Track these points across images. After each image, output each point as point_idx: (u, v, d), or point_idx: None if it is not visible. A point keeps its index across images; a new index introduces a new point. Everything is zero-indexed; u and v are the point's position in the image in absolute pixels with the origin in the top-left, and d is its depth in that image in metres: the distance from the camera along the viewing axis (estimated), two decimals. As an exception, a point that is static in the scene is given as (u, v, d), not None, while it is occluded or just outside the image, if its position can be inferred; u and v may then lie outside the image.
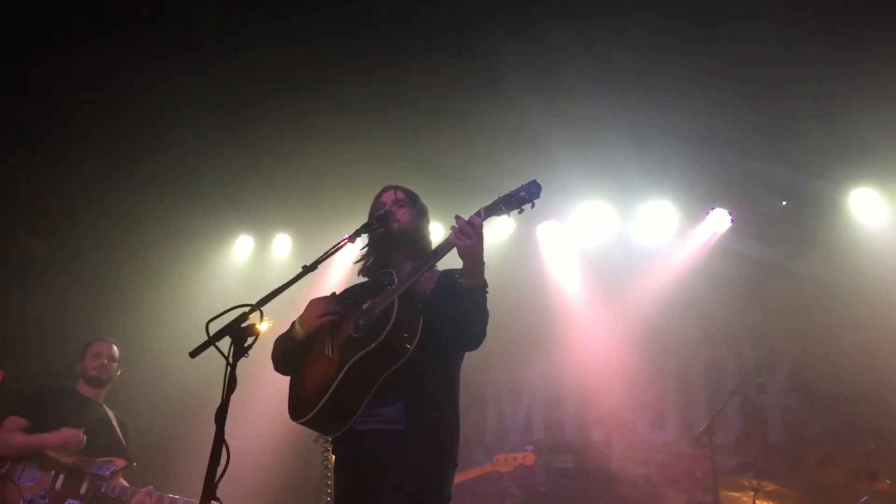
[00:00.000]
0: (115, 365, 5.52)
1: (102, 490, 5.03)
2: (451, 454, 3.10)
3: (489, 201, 3.01)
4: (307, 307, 3.26)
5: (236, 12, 5.65)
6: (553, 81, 5.87)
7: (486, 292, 3.04)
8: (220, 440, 2.40)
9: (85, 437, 5.05)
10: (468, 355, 3.26)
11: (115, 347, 5.57)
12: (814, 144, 6.03)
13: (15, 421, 5.06)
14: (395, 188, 3.47)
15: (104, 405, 5.46)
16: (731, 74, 5.77)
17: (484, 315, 3.03)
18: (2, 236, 7.16)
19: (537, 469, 7.15)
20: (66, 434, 5.01)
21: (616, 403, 6.92)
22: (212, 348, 2.51)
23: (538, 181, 2.94)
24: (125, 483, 5.15)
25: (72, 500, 4.94)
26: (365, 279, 3.45)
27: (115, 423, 5.42)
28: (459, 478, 3.18)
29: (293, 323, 3.29)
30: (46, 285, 7.38)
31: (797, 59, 5.48)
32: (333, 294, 3.34)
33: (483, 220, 2.96)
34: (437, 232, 3.57)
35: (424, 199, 3.53)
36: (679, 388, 6.97)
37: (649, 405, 6.93)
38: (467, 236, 2.90)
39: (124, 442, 5.39)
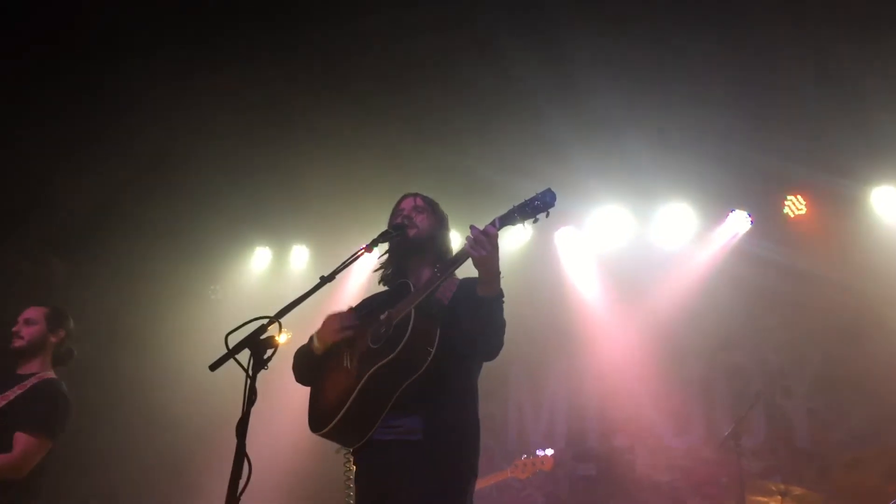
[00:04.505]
0: None
1: None
2: (470, 464, 3.08)
3: (504, 210, 2.97)
4: (324, 322, 3.24)
5: (256, 25, 5.67)
6: (570, 85, 5.85)
7: (503, 302, 3.01)
8: (241, 453, 2.38)
9: None
10: (488, 363, 3.23)
11: None
12: (833, 142, 5.96)
13: None
14: (415, 195, 3.45)
15: None
16: (749, 73, 5.74)
17: (501, 325, 3.00)
18: (22, 253, 7.20)
19: (560, 477, 7.10)
20: None
21: (639, 410, 6.85)
22: (231, 361, 2.50)
23: (552, 189, 2.90)
24: None
25: None
26: (385, 288, 3.43)
27: None
28: (478, 485, 3.15)
29: (311, 337, 3.28)
30: (67, 301, 7.40)
31: (816, 57, 5.43)
32: (350, 308, 3.32)
33: (498, 229, 2.92)
34: (454, 241, 3.55)
35: (442, 207, 3.50)
36: (702, 393, 6.90)
37: (672, 411, 6.85)
38: (482, 246, 2.86)
39: None
